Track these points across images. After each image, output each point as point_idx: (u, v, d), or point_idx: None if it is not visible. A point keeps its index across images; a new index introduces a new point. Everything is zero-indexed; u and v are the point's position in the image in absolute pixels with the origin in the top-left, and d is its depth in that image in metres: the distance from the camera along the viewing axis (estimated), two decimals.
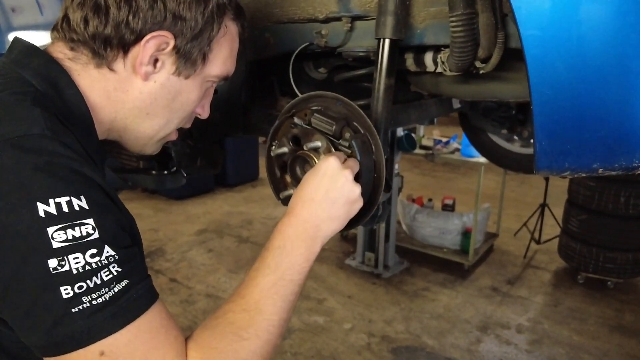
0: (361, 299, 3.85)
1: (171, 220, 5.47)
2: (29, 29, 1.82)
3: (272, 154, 0.99)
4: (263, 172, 7.15)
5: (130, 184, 1.47)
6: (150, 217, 5.53)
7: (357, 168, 0.86)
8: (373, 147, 0.91)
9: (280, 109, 1.40)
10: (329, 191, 0.81)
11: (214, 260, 4.50)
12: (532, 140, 2.10)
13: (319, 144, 0.91)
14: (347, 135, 0.90)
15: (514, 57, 0.99)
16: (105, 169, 1.37)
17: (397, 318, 3.58)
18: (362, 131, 0.91)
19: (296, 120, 0.95)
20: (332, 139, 0.90)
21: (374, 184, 0.92)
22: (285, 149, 0.97)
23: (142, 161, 1.58)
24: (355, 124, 0.92)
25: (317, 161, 0.90)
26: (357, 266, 4.37)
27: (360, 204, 0.85)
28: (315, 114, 0.92)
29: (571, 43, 0.67)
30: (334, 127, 0.90)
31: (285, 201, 0.96)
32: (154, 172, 1.47)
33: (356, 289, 4.01)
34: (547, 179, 4.52)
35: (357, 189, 0.83)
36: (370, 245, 4.35)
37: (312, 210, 0.80)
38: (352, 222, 0.93)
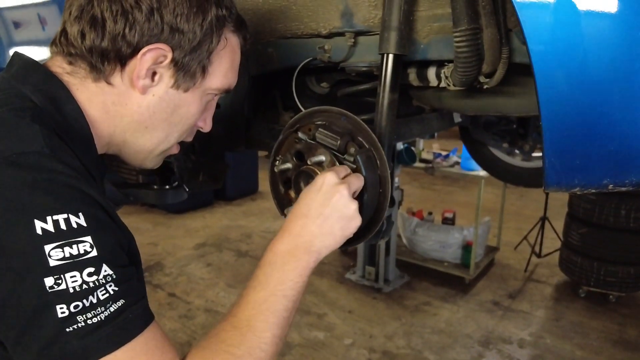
0: (362, 314, 3.81)
1: (170, 234, 5.44)
2: (31, 44, 1.83)
3: (275, 169, 0.98)
4: (262, 186, 7.16)
5: (131, 198, 1.46)
6: (149, 231, 5.50)
7: (358, 183, 0.84)
8: (378, 161, 0.90)
9: (283, 123, 1.40)
10: (322, 207, 0.79)
11: (213, 274, 4.47)
12: (532, 154, 2.12)
13: (322, 158, 0.90)
14: (352, 150, 0.89)
15: (517, 72, 0.99)
16: (107, 184, 1.36)
17: (398, 333, 3.55)
18: (367, 146, 0.91)
19: (300, 135, 0.95)
20: (336, 153, 0.90)
21: (379, 199, 0.91)
22: (289, 165, 0.96)
23: (143, 176, 1.58)
24: (359, 138, 0.92)
25: None
26: (358, 280, 4.34)
27: (357, 221, 0.82)
28: (319, 129, 0.92)
29: (580, 58, 0.67)
30: (339, 142, 0.90)
31: None
32: (155, 187, 1.46)
33: (357, 304, 3.97)
34: (546, 192, 4.51)
35: (352, 205, 0.80)
36: (370, 259, 4.32)
37: (304, 226, 0.79)
38: (358, 238, 0.92)
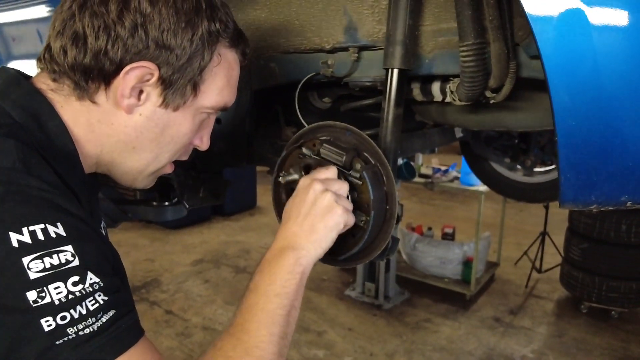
0: (362, 331, 3.76)
1: (167, 250, 5.39)
2: (29, 58, 1.81)
3: (282, 181, 0.96)
4: (260, 201, 7.13)
5: (130, 215, 1.43)
6: (146, 247, 5.45)
7: (336, 185, 0.84)
8: (384, 178, 0.88)
9: (285, 138, 1.38)
10: (300, 207, 0.82)
11: (211, 291, 4.41)
12: (534, 169, 2.10)
13: None
14: (358, 166, 0.87)
15: (523, 87, 0.98)
16: (105, 201, 1.34)
17: (399, 351, 3.49)
18: (373, 162, 0.89)
19: (304, 150, 0.93)
20: (342, 169, 0.88)
21: (386, 216, 0.89)
22: (296, 176, 0.94)
23: (141, 192, 1.55)
24: (365, 154, 0.90)
25: None
26: (357, 297, 4.29)
27: (337, 209, 0.80)
28: (324, 145, 0.90)
29: (596, 71, 0.65)
30: (344, 157, 0.88)
31: None
32: (155, 203, 1.43)
33: (357, 321, 3.92)
34: (546, 207, 4.50)
35: (326, 196, 0.80)
36: (370, 276, 4.28)
37: (286, 229, 0.82)
38: (365, 257, 0.90)
